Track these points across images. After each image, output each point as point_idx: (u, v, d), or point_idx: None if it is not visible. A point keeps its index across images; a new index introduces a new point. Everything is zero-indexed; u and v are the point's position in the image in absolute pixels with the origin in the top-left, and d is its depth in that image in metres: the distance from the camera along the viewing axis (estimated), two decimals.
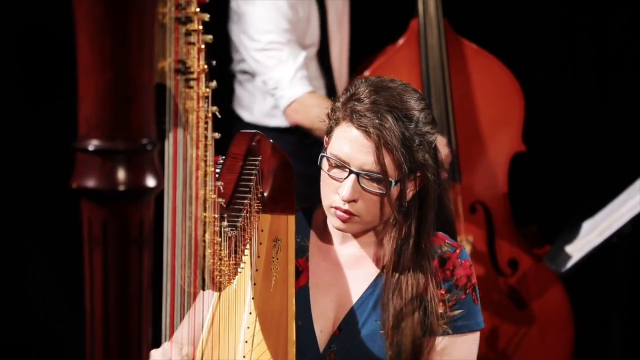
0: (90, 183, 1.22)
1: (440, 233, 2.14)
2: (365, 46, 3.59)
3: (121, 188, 1.22)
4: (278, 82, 3.24)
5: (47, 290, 3.58)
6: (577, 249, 3.23)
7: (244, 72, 3.42)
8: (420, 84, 3.43)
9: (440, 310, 2.08)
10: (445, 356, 2.09)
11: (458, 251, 2.12)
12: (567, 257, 3.27)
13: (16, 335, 3.55)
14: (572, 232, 3.37)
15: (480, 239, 3.51)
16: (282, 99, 3.26)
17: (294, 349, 2.01)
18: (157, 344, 1.51)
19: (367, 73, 3.43)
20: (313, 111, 3.06)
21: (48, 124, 3.35)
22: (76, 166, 1.23)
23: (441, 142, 3.42)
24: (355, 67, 3.56)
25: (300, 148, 3.22)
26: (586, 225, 3.33)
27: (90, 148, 1.21)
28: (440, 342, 2.08)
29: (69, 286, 2.45)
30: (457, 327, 2.08)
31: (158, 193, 1.28)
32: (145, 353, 1.30)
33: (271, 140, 2.08)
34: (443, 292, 2.08)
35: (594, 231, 3.22)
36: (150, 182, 1.24)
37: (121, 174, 1.22)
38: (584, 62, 3.90)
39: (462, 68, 3.49)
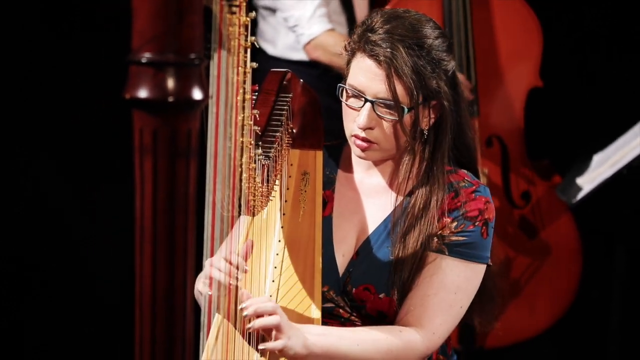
0: (143, 94, 1.27)
1: (462, 171, 2.17)
2: None
3: (171, 99, 1.28)
4: (298, 20, 3.34)
5: (99, 200, 3.70)
6: (588, 181, 3.26)
7: (266, 7, 3.47)
8: (441, 16, 3.44)
9: (439, 232, 2.09)
10: (434, 274, 2.08)
11: (474, 187, 2.14)
12: (578, 188, 3.30)
13: (69, 243, 3.70)
14: (583, 165, 3.39)
15: (495, 171, 3.54)
16: (301, 37, 3.37)
17: (320, 276, 2.10)
18: (199, 255, 1.57)
19: (388, 7, 3.44)
20: (331, 49, 3.29)
21: (101, 39, 3.44)
22: (129, 78, 1.28)
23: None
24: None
25: (323, 81, 3.26)
26: (597, 157, 3.35)
27: (143, 60, 1.27)
28: (434, 259, 2.10)
29: (121, 196, 2.52)
30: (456, 252, 2.09)
31: (203, 109, 1.32)
32: (190, 259, 1.35)
33: (301, 80, 2.17)
34: (449, 220, 2.10)
35: (605, 163, 3.24)
36: (197, 94, 1.30)
37: (171, 85, 1.27)
38: None
39: (483, 1, 3.50)
